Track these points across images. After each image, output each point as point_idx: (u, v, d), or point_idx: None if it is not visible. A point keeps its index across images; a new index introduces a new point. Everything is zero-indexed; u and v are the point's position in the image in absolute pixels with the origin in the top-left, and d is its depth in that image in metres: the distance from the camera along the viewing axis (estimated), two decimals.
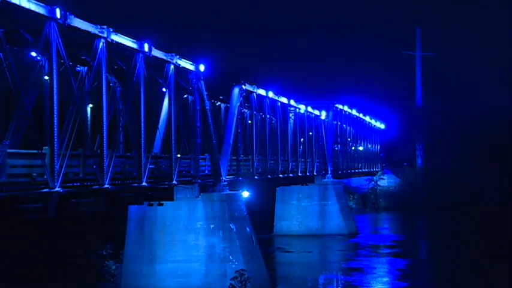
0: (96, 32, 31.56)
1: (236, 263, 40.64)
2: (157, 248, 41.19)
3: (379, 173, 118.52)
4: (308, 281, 48.28)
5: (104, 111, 32.50)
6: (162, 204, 40.76)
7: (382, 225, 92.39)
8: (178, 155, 40.48)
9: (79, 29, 30.28)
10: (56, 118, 28.31)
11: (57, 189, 28.26)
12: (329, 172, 78.90)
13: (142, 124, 36.06)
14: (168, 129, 40.61)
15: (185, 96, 43.24)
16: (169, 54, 38.91)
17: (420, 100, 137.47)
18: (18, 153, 27.55)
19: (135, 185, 35.78)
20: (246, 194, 46.04)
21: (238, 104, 49.60)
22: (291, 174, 65.82)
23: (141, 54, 35.57)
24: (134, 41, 34.92)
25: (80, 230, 61.83)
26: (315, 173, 75.51)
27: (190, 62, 41.37)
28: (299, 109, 69.84)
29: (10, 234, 57.28)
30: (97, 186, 31.93)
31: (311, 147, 75.70)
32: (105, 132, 32.40)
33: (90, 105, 35.29)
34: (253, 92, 53.82)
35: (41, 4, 27.45)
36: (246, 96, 51.74)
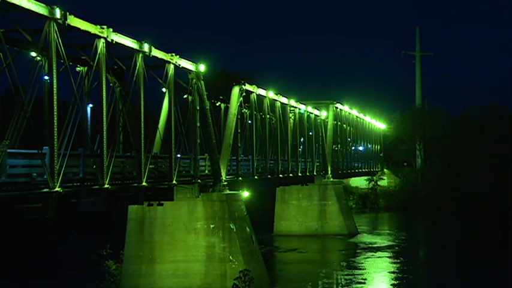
0: (96, 32, 31.54)
1: (236, 263, 40.63)
2: (157, 248, 41.21)
3: (379, 173, 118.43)
4: (308, 280, 48.23)
5: (104, 111, 32.47)
6: (162, 204, 40.74)
7: (382, 225, 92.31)
8: (178, 155, 40.47)
9: (79, 29, 30.26)
10: (55, 118, 28.28)
11: (56, 189, 28.24)
12: (329, 172, 78.82)
13: (142, 124, 36.03)
14: (168, 129, 40.57)
15: (185, 96, 43.23)
16: (169, 54, 38.89)
17: (420, 100, 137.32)
18: (18, 153, 27.53)
19: (135, 185, 35.78)
20: (246, 194, 46.01)
21: (238, 104, 49.56)
22: (290, 174, 65.78)
23: (141, 54, 35.55)
24: (134, 41, 34.89)
25: (79, 230, 61.86)
26: (315, 173, 75.45)
27: (190, 62, 41.35)
28: (299, 109, 69.79)
29: (10, 233, 57.33)
30: (97, 186, 31.93)
31: (311, 147, 75.62)
32: (105, 132, 32.37)
33: (90, 105, 35.29)
34: (253, 92, 53.79)
35: (41, 4, 27.43)
36: (246, 96, 51.69)
